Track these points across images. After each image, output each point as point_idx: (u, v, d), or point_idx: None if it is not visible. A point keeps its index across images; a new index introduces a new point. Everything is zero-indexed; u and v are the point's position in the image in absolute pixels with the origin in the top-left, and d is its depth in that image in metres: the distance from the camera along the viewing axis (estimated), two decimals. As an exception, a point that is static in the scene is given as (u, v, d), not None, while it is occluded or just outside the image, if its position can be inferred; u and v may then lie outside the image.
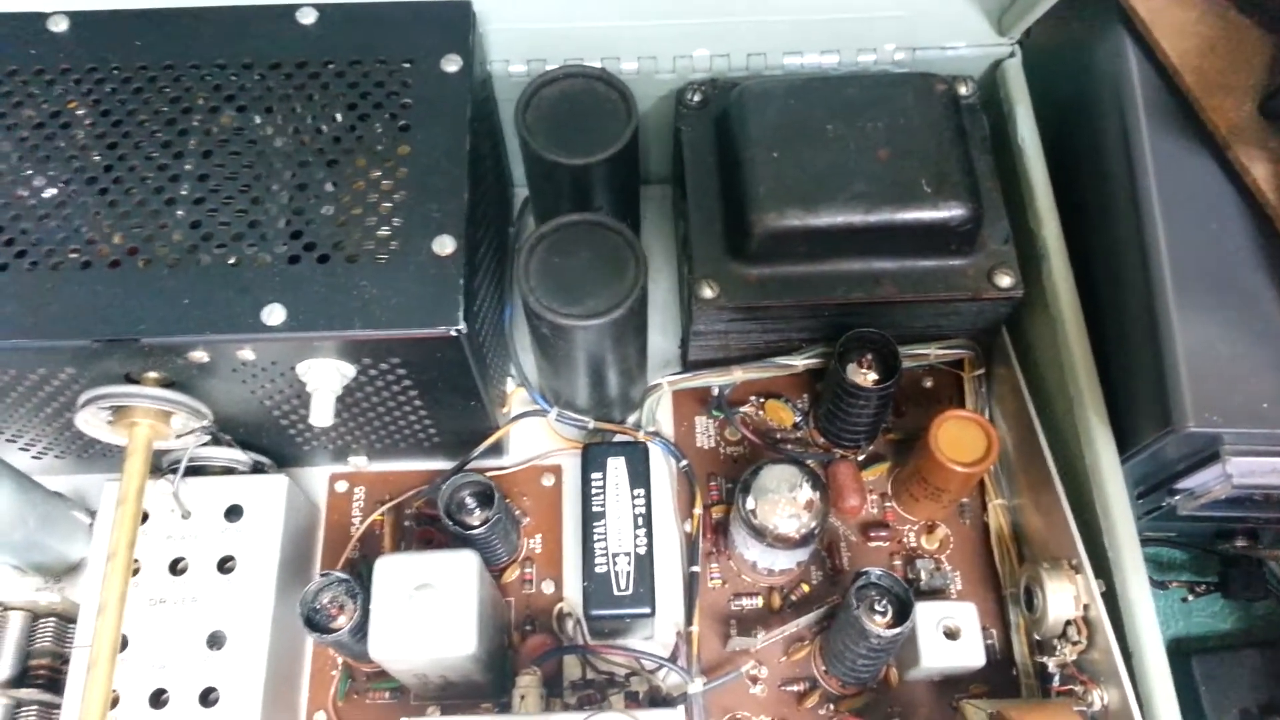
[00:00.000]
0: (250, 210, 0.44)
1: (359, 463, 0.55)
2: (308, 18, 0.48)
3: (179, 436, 0.45)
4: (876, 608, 0.44)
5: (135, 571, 0.47)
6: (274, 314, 0.41)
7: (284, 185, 0.45)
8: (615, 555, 0.48)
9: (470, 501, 0.47)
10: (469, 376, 0.46)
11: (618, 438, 0.54)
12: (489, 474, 0.48)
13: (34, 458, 0.53)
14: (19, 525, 0.47)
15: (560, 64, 0.55)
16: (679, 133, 0.55)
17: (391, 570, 0.43)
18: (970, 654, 0.46)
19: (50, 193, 0.44)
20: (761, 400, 0.57)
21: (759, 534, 0.46)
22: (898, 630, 0.43)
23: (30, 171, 0.45)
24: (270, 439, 0.51)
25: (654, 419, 0.56)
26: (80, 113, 0.46)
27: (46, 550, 0.50)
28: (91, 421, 0.44)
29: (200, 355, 0.42)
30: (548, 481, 0.55)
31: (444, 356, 0.44)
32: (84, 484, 0.54)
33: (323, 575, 0.44)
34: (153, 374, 0.44)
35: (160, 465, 0.49)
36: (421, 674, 0.44)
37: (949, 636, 0.46)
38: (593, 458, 0.51)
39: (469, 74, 0.47)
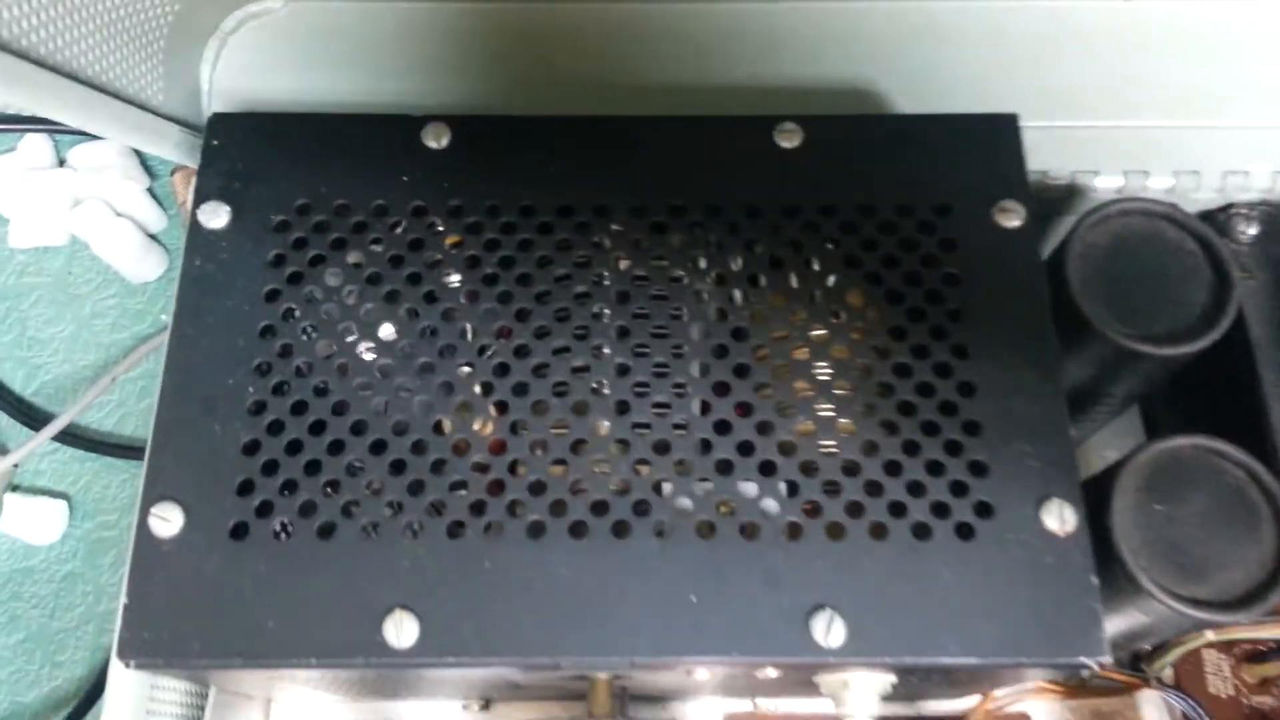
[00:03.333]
0: (756, 443, 0.30)
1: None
2: (790, 139, 0.34)
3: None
4: None
5: None
6: (832, 629, 0.27)
7: (789, 404, 0.30)
8: None
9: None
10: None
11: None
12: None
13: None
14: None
15: (1068, 176, 0.40)
16: (1226, 277, 0.40)
17: None
18: None
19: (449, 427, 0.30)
20: None
21: None
22: None
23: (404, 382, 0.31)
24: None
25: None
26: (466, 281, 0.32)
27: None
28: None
29: (702, 674, 0.29)
30: (1019, 739, 0.42)
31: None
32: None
33: None
34: (604, 675, 0.30)
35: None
36: None
37: None
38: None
39: (1035, 229, 0.33)
